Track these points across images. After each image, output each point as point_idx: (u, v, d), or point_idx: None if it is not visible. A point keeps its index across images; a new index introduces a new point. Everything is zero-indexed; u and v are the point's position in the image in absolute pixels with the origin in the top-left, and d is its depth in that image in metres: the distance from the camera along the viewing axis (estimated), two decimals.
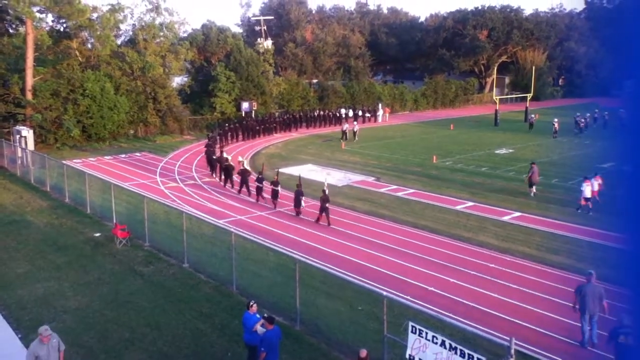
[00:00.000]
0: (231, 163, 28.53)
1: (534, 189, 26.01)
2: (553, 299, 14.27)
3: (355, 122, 48.64)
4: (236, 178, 27.42)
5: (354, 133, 45.34)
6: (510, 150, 39.17)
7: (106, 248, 18.63)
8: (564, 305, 13.55)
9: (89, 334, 12.66)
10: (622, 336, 10.35)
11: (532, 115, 49.29)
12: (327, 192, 21.80)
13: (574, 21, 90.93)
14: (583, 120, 48.99)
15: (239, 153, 38.30)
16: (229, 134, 43.91)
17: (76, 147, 39.50)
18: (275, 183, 24.12)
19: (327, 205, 21.39)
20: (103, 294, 14.90)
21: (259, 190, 24.79)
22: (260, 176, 25.29)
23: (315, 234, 20.16)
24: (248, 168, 28.20)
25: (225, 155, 29.70)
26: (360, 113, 58.70)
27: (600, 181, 23.88)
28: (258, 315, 10.94)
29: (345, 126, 46.08)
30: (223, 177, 28.69)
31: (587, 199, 23.13)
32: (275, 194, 23.88)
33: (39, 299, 14.60)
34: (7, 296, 14.75)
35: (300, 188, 22.85)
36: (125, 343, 12.32)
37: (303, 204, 22.81)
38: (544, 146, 41.43)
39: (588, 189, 23.19)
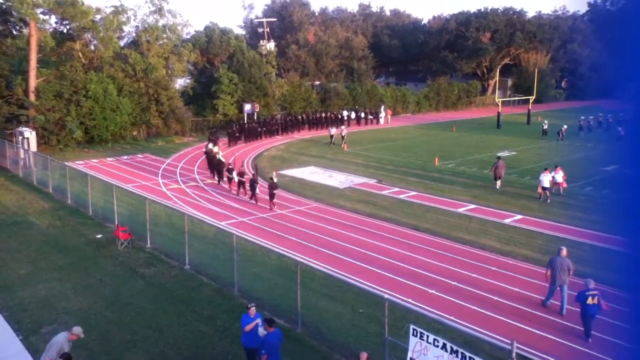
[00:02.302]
0: (217, 156, 30.34)
1: (498, 182, 27.85)
2: (555, 302, 14.20)
3: (343, 127, 46.54)
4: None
5: (342, 138, 43.54)
6: (513, 153, 39.11)
7: (108, 250, 18.64)
8: (566, 309, 13.50)
9: (90, 336, 12.64)
10: (589, 298, 11.98)
11: (545, 122, 48.74)
12: (275, 180, 24.44)
13: (577, 23, 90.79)
14: (587, 122, 49.11)
15: (241, 155, 38.35)
16: (236, 134, 44.27)
17: (79, 149, 39.57)
18: (241, 174, 26.38)
19: (274, 192, 23.83)
20: (105, 296, 14.90)
21: (242, 183, 26.38)
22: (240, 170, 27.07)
23: (316, 236, 20.14)
24: (223, 160, 30.12)
25: (210, 146, 32.42)
26: (362, 115, 58.70)
27: (562, 173, 26.30)
28: (258, 320, 10.92)
29: (333, 130, 44.80)
30: (209, 170, 31.23)
31: (544, 188, 25.32)
32: (240, 184, 26.22)
33: (40, 300, 14.61)
34: (8, 297, 14.76)
35: (255, 177, 25.27)
36: (127, 345, 12.32)
37: (257, 190, 25.01)
38: (547, 149, 41.35)
39: (546, 178, 25.34)
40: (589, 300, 11.99)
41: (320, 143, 44.75)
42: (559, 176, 26.21)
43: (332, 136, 44.16)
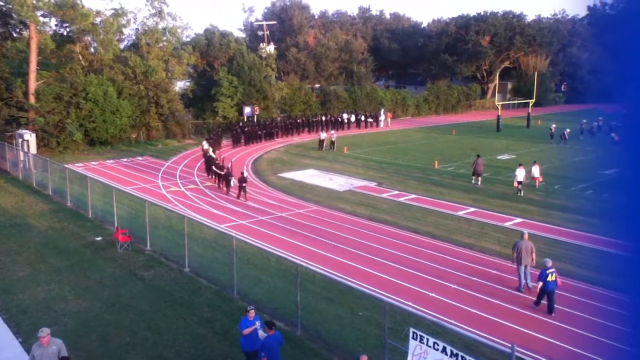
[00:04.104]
0: (211, 154, 32.02)
1: (479, 179, 29.76)
2: (555, 306, 14.19)
3: (333, 131, 45.55)
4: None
5: (332, 142, 42.54)
6: (512, 156, 39.12)
7: (107, 252, 18.63)
8: (565, 312, 13.51)
9: (89, 338, 12.65)
10: (549, 275, 13.68)
11: (553, 125, 48.28)
12: (245, 174, 26.92)
13: (577, 27, 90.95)
14: (589, 126, 49.00)
15: (241, 157, 38.38)
16: (240, 136, 44.81)
17: (78, 151, 39.58)
18: (220, 167, 28.72)
19: (244, 184, 26.08)
20: (104, 298, 14.88)
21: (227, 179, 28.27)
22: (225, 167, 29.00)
23: (316, 239, 20.13)
24: (213, 155, 31.90)
25: (205, 145, 34.74)
26: (362, 118, 58.74)
27: (538, 167, 28.59)
28: (257, 323, 10.91)
29: (323, 135, 43.41)
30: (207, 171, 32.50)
31: (519, 182, 27.13)
32: (220, 177, 28.52)
33: (39, 302, 14.59)
34: (7, 300, 14.75)
35: (229, 171, 27.70)
36: (126, 347, 12.30)
37: (232, 183, 27.10)
38: (546, 152, 41.37)
39: (520, 173, 27.10)
40: (549, 278, 13.71)
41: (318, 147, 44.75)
42: (537, 170, 28.51)
43: (322, 141, 42.78)
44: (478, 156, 30.77)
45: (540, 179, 28.83)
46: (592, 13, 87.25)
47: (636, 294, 2.10)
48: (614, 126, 45.03)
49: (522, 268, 15.26)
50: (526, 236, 15.72)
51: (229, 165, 28.80)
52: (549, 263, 13.99)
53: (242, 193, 26.11)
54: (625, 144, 2.08)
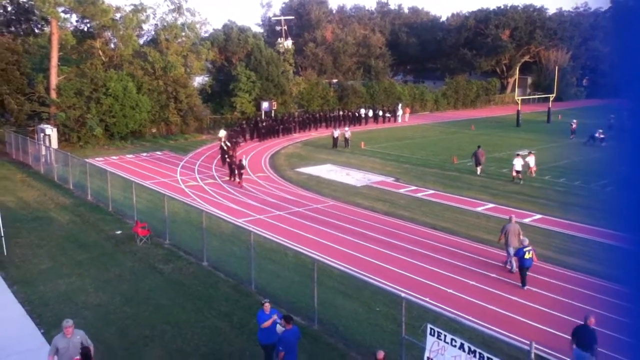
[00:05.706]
0: (223, 145, 33.55)
1: (478, 169, 30.94)
2: (572, 302, 14.06)
3: (347, 128, 43.73)
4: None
5: (346, 140, 40.79)
6: (532, 152, 38.61)
7: (127, 245, 18.85)
8: (583, 309, 13.34)
9: (109, 330, 12.82)
10: (526, 253, 14.92)
11: (574, 121, 46.63)
12: (244, 162, 29.36)
13: (599, 20, 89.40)
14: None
15: (259, 152, 38.51)
16: (262, 130, 45.36)
17: (99, 146, 40.05)
18: (230, 156, 30.52)
19: (241, 171, 28.33)
20: (123, 291, 15.08)
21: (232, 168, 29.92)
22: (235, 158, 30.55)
23: (333, 234, 20.15)
24: (225, 145, 33.47)
25: (220, 134, 37.00)
26: (380, 113, 58.53)
27: (534, 158, 29.99)
28: (275, 316, 10.96)
29: (336, 132, 41.18)
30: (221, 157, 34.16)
31: (517, 171, 28.30)
32: (230, 166, 30.26)
33: (60, 294, 14.83)
34: (30, 292, 15.02)
35: (232, 160, 29.73)
36: (145, 340, 12.45)
37: (236, 171, 28.88)
38: (566, 147, 40.82)
39: (518, 162, 28.34)
40: (526, 255, 14.90)
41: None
42: (532, 160, 29.79)
43: (335, 139, 40.72)
44: (479, 147, 31.83)
45: (535, 169, 30.00)
46: (615, 5, 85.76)
47: (637, 286, 2.09)
48: (605, 123, 41.30)
49: (510, 249, 16.30)
50: (514, 220, 16.94)
51: (236, 155, 30.96)
52: (526, 242, 15.20)
53: (240, 178, 28.26)
54: (632, 141, 2.06)
